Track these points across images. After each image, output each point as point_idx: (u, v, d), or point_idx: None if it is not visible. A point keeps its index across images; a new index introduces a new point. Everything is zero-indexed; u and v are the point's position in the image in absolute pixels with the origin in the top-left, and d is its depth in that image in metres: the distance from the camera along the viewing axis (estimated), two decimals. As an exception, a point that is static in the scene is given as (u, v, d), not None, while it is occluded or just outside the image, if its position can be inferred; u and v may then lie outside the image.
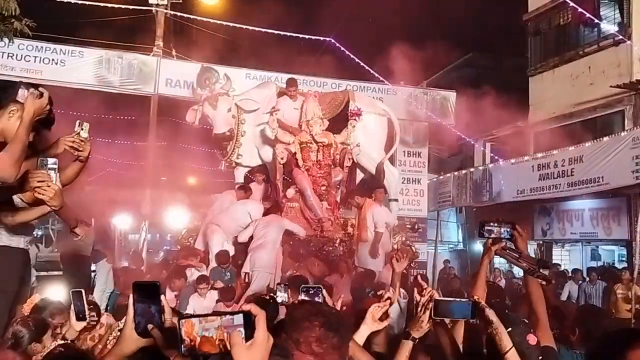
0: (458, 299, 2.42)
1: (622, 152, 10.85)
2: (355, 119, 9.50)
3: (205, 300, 6.61)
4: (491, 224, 2.79)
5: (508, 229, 2.76)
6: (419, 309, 2.42)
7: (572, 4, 12.73)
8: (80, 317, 3.37)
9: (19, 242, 3.20)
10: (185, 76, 12.53)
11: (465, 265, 16.08)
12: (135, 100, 13.60)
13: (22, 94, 2.89)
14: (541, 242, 15.57)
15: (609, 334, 2.04)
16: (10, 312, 3.28)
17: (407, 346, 2.38)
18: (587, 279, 11.35)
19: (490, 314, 2.22)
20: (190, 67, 12.43)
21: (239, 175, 10.67)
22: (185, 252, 8.68)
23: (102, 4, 12.91)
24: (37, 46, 12.12)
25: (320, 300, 2.12)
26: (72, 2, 12.36)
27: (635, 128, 11.42)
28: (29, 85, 2.95)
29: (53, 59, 12.15)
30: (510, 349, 2.15)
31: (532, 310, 2.72)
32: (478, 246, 17.87)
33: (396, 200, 11.27)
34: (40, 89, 2.92)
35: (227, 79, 10.06)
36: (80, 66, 12.35)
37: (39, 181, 2.76)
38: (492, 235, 2.78)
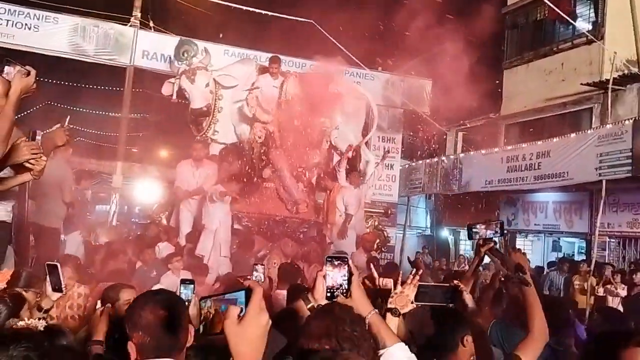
0: (439, 285, 2.52)
1: (587, 149, 11.25)
2: (335, 102, 9.50)
3: (179, 278, 6.59)
4: (477, 226, 2.94)
5: (494, 230, 2.91)
6: (407, 285, 2.40)
7: (548, 2, 12.95)
8: (56, 288, 3.45)
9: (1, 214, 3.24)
10: (163, 49, 12.34)
11: (432, 250, 16.45)
12: (110, 70, 13.38)
13: (8, 70, 2.90)
14: (506, 231, 16.02)
15: (604, 334, 2.22)
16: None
17: (394, 322, 2.31)
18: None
19: (468, 298, 2.40)
20: (168, 40, 12.25)
21: (214, 151, 10.59)
22: (159, 229, 8.64)
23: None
24: (9, 9, 11.76)
25: (345, 272, 1.93)
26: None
27: (601, 126, 11.81)
28: (15, 63, 2.95)
29: (26, 24, 11.81)
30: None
31: (526, 319, 2.71)
32: (445, 232, 18.31)
33: (364, 182, 11.37)
34: (27, 67, 2.93)
35: (206, 53, 9.87)
36: (55, 33, 12.03)
37: (33, 153, 2.82)
38: (478, 237, 2.93)
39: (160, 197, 11.05)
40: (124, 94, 13.17)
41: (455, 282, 2.50)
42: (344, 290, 1.93)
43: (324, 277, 1.93)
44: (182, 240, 8.52)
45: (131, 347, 1.75)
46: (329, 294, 1.91)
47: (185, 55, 9.79)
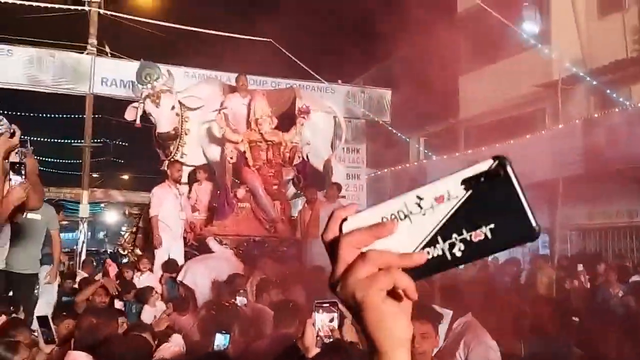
0: None
1: (542, 149, 11.77)
2: (304, 117, 9.52)
3: (157, 309, 6.35)
4: None
5: None
6: None
7: (496, 14, 13.43)
8: (48, 340, 3.46)
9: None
10: (121, 74, 12.32)
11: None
12: (71, 99, 13.26)
13: None
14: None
15: None
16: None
17: None
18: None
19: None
20: (126, 65, 12.21)
21: (183, 174, 10.48)
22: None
23: (33, 3, 12.40)
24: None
25: (335, 317, 1.91)
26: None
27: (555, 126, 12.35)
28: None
29: (-22, 58, 11.62)
30: None
31: None
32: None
33: (343, 197, 11.44)
34: (13, 126, 2.93)
35: (169, 75, 9.61)
36: (9, 65, 11.87)
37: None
38: None
39: (130, 224, 10.91)
40: (85, 121, 13.05)
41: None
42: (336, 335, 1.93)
43: (314, 324, 1.92)
44: (159, 270, 8.38)
45: None
46: (319, 341, 1.89)
47: (148, 78, 9.57)
